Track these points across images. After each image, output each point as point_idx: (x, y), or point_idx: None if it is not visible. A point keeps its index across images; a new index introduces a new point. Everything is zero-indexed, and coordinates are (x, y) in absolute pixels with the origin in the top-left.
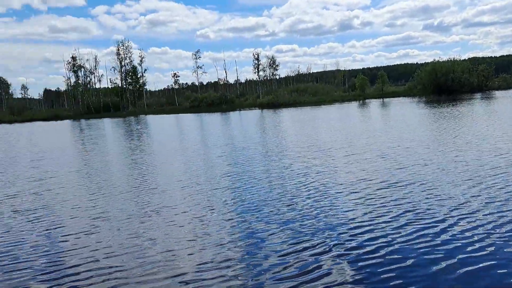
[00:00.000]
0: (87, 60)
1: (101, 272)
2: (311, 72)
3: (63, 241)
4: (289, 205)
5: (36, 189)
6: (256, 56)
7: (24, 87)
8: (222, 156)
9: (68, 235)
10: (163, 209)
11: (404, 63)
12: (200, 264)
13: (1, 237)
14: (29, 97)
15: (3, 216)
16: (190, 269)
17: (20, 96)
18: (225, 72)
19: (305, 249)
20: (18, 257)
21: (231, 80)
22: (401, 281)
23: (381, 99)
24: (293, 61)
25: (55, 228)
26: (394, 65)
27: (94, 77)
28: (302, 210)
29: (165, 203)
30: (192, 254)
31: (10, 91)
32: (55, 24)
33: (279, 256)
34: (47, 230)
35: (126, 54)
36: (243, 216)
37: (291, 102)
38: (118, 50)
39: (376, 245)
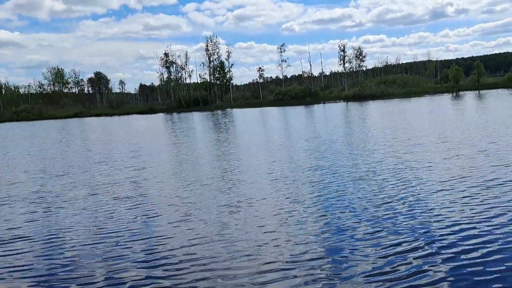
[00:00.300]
0: (178, 56)
1: (192, 260)
2: (400, 63)
3: (158, 228)
4: (381, 202)
5: (135, 178)
6: (342, 47)
7: (121, 83)
8: (309, 150)
9: (163, 222)
10: (253, 201)
11: (504, 52)
12: (287, 260)
13: (104, 222)
14: (126, 91)
15: (106, 203)
16: (276, 263)
17: (118, 90)
18: (310, 64)
19: (398, 248)
20: (118, 242)
21: (316, 72)
22: (500, 284)
23: (477, 91)
24: (381, 51)
25: (152, 216)
26: (492, 54)
27: (185, 73)
28: (395, 207)
29: (255, 196)
30: (279, 248)
31: (110, 86)
32: (149, 22)
33: (369, 255)
34: (144, 216)
35: (214, 49)
36: (333, 212)
37: (378, 94)
38: (207, 46)
39: (474, 246)
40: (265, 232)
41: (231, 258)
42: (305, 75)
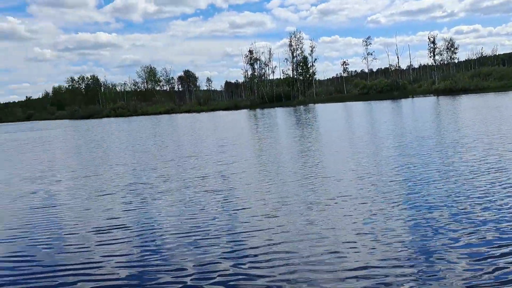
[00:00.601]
0: (262, 52)
1: (277, 256)
2: (496, 54)
3: (246, 223)
4: (482, 203)
5: (224, 172)
6: (431, 39)
7: (208, 80)
8: (398, 146)
9: (251, 217)
10: (339, 199)
11: None
12: (373, 261)
13: (194, 215)
14: (212, 89)
15: (197, 196)
16: (361, 264)
17: (205, 88)
18: (397, 57)
19: (501, 254)
20: (207, 234)
21: (403, 65)
22: None
23: None
24: (476, 42)
25: (240, 210)
26: None
27: (268, 69)
28: (498, 210)
29: (341, 193)
30: (367, 248)
31: (197, 84)
32: (234, 20)
33: (468, 261)
34: (233, 210)
35: (298, 45)
36: (426, 213)
37: (472, 87)
38: (291, 41)
39: None
40: (351, 232)
41: (316, 257)
42: (392, 68)
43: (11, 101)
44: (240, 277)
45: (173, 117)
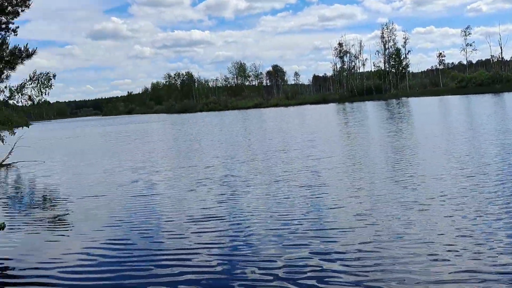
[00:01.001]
0: (352, 45)
1: (369, 256)
2: None
3: (336, 220)
4: None
5: (314, 168)
6: None
7: (296, 74)
8: (503, 144)
9: (343, 215)
10: (442, 199)
11: None
12: (475, 266)
13: (285, 208)
14: (300, 83)
15: (287, 191)
16: (461, 269)
17: (293, 82)
18: (500, 48)
19: None
20: (297, 229)
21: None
22: None
23: None
24: None
25: (332, 207)
26: None
27: (358, 62)
28: None
29: (444, 193)
30: (468, 252)
31: (285, 78)
32: (324, 13)
33: None
34: (324, 207)
35: (390, 36)
36: None
37: None
38: (382, 33)
39: None
40: (452, 233)
41: (412, 257)
42: (494, 60)
43: (114, 96)
44: (331, 274)
45: (261, 111)
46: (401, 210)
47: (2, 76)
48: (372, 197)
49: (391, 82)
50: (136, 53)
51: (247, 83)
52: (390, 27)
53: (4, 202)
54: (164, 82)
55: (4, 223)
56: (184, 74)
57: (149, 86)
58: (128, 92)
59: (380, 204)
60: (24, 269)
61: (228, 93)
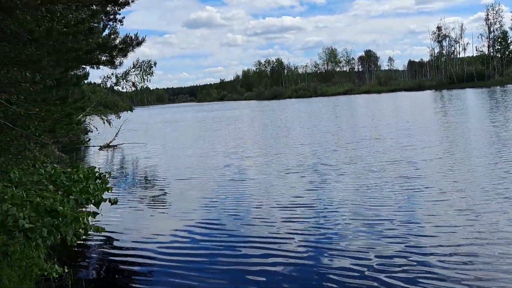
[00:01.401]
0: (452, 29)
1: (466, 253)
2: None
3: (434, 215)
4: None
5: (411, 158)
6: None
7: (390, 59)
8: None
9: (441, 209)
10: None
11: None
12: None
13: (377, 200)
14: (394, 68)
15: (381, 181)
16: None
17: (386, 68)
18: None
19: None
20: (391, 223)
21: None
22: None
23: None
24: None
25: (429, 200)
26: None
27: (459, 46)
28: None
29: None
30: None
31: (378, 64)
32: None
33: None
34: (420, 200)
35: (496, 18)
36: None
37: None
38: (487, 15)
39: None
40: None
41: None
42: None
43: (208, 83)
44: (426, 269)
45: (351, 98)
46: (506, 207)
47: (116, 62)
48: (475, 192)
49: (496, 68)
50: (229, 40)
51: (337, 69)
52: (496, 8)
53: (112, 180)
54: (254, 69)
55: (116, 198)
56: (274, 61)
57: (240, 73)
58: (220, 79)
59: (483, 200)
60: (127, 241)
61: (317, 79)
